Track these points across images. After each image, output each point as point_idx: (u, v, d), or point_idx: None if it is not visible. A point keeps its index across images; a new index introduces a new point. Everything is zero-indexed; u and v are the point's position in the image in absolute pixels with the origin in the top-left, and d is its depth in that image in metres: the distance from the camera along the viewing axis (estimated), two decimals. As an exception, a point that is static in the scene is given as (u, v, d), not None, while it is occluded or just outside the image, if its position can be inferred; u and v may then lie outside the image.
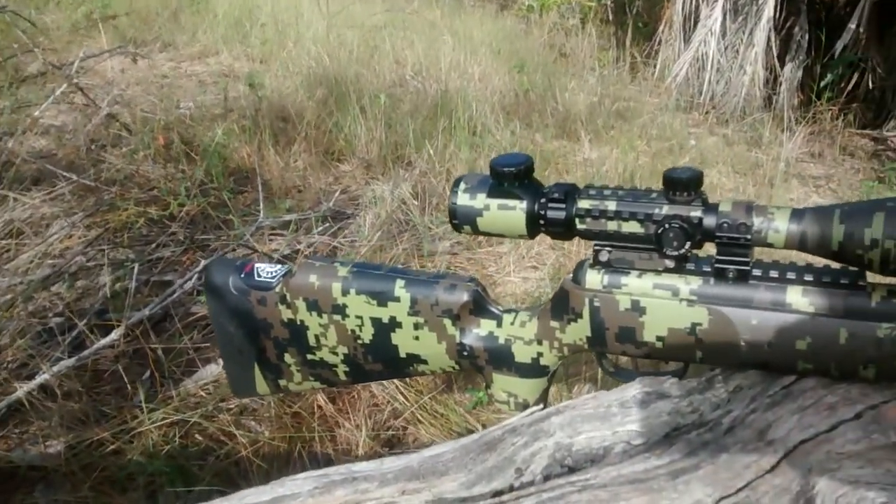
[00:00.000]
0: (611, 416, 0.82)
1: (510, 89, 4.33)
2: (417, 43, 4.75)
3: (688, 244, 0.81)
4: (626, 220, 0.83)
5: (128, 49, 3.37)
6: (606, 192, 0.85)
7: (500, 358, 0.96)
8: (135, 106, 3.04)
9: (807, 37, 5.30)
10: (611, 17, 6.86)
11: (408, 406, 1.87)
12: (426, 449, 0.79)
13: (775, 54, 5.28)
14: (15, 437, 1.61)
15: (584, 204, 0.85)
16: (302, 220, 2.45)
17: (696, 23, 5.57)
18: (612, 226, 0.84)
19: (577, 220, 0.86)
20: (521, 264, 2.57)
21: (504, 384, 0.98)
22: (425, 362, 1.00)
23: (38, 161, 2.44)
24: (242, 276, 1.05)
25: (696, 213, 0.81)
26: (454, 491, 0.73)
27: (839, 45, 5.01)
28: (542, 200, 0.88)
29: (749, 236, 0.79)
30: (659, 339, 0.85)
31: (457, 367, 0.99)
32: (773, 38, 5.27)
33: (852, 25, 4.95)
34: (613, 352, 0.90)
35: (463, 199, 0.91)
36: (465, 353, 0.98)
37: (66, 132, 2.74)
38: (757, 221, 0.78)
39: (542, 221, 0.88)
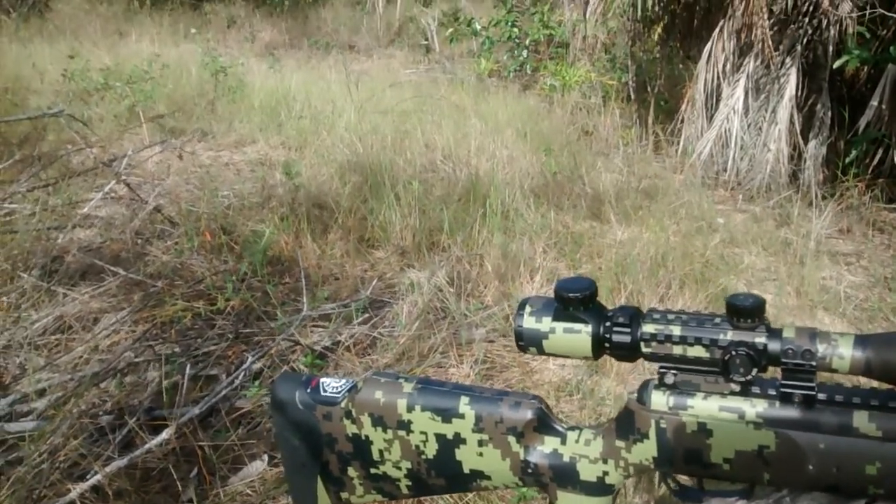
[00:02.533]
0: (682, 540, 0.82)
1: (538, 171, 4.41)
2: (445, 126, 4.87)
3: (754, 371, 0.82)
4: (691, 345, 0.85)
5: (170, 143, 3.49)
6: (670, 317, 0.88)
7: (565, 476, 0.97)
8: (177, 198, 3.13)
9: (829, 113, 5.36)
10: (632, 96, 6.99)
11: (452, 502, 1.86)
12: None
13: (798, 131, 5.33)
14: (67, 538, 1.62)
15: (648, 328, 0.88)
16: (341, 309, 2.48)
17: (718, 101, 5.66)
18: (677, 350, 0.86)
19: (642, 344, 0.88)
20: (556, 359, 2.57)
21: (569, 502, 0.99)
22: (489, 478, 1.01)
23: (86, 255, 2.51)
24: (309, 390, 1.07)
25: (760, 339, 0.82)
26: None
27: (862, 122, 5.06)
28: (608, 324, 0.90)
29: (814, 363, 0.80)
30: (726, 461, 0.86)
31: (520, 483, 1.00)
32: (795, 116, 5.33)
33: (874, 102, 5.01)
34: (679, 472, 0.91)
35: (529, 322, 0.93)
36: (530, 471, 0.99)
37: (114, 226, 2.82)
38: (821, 348, 0.80)
39: (607, 345, 0.90)
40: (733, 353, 0.82)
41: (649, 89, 6.72)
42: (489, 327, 2.65)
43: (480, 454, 1.00)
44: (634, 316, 0.90)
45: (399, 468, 1.05)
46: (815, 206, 4.71)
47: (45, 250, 2.47)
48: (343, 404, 1.05)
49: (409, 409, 1.01)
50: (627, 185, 4.77)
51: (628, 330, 0.89)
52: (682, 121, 5.91)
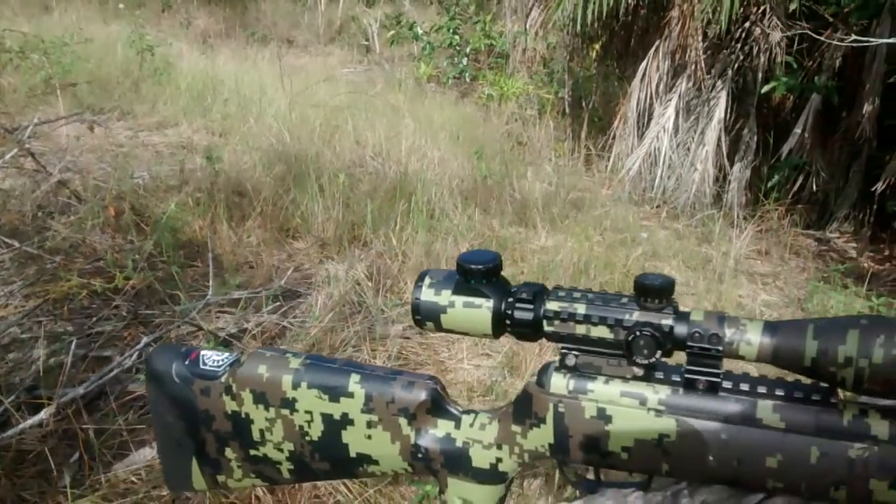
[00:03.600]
0: (573, 531, 0.77)
1: (469, 175, 4.37)
2: (378, 125, 4.80)
3: (658, 353, 0.78)
4: (595, 324, 0.81)
5: (84, 116, 3.31)
6: (576, 295, 0.83)
7: (457, 462, 0.91)
8: (87, 174, 2.97)
9: (755, 138, 5.50)
10: (567, 110, 7.06)
11: (351, 499, 1.78)
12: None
13: (725, 153, 5.46)
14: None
15: (552, 306, 0.83)
16: (251, 297, 2.38)
17: (649, 119, 5.75)
18: (580, 329, 0.81)
19: (544, 322, 0.83)
20: (474, 351, 2.53)
21: (459, 490, 0.92)
22: (376, 463, 0.95)
23: (-21, 226, 2.35)
24: (187, 363, 0.98)
25: (667, 321, 0.78)
26: None
27: (785, 148, 5.20)
28: (510, 300, 0.84)
29: (721, 347, 0.76)
30: (625, 449, 0.82)
31: (410, 469, 0.94)
32: (723, 138, 5.45)
33: (798, 130, 5.16)
34: (576, 461, 0.85)
35: (427, 295, 0.87)
36: (420, 455, 0.92)
37: (13, 197, 2.65)
38: (729, 333, 0.76)
39: (508, 321, 0.85)
40: (637, 333, 0.78)
41: (584, 105, 6.80)
42: (406, 323, 2.59)
43: (369, 437, 0.93)
44: (539, 292, 0.85)
45: (281, 450, 0.98)
46: (737, 226, 4.81)
47: (-67, 216, 2.30)
48: (223, 379, 0.97)
49: (295, 385, 0.94)
50: (556, 195, 4.78)
51: (531, 306, 0.84)
52: (614, 137, 5.98)
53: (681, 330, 0.78)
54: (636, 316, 0.79)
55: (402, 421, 0.91)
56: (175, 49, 5.71)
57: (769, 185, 5.26)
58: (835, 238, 5.32)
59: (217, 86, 4.58)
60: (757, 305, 3.69)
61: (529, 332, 0.84)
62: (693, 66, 5.51)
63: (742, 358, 0.77)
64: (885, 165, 4.64)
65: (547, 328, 0.83)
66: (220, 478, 1.03)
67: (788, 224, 5.20)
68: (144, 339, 1.88)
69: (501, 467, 0.90)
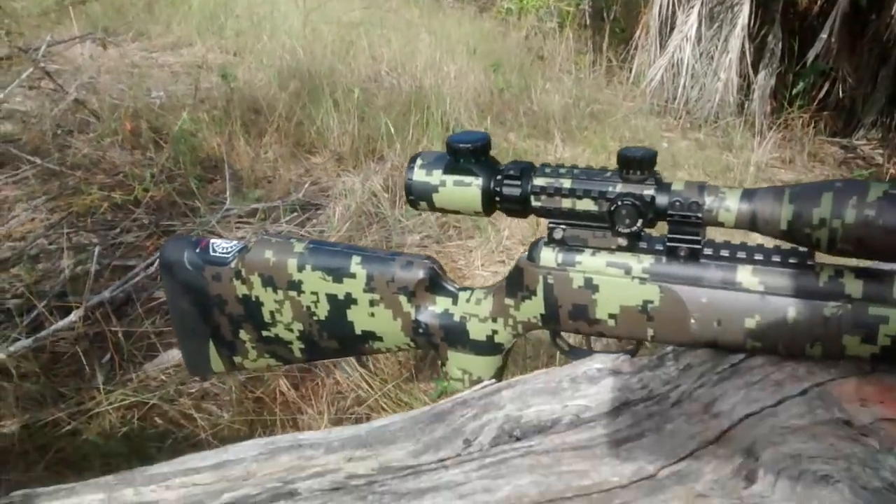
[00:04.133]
0: (561, 390, 0.82)
1: (485, 88, 4.34)
2: (394, 40, 4.75)
3: (640, 222, 0.81)
4: (580, 197, 0.84)
5: (97, 35, 3.33)
6: (562, 171, 0.85)
7: (455, 335, 0.96)
8: (104, 93, 3.01)
9: (780, 45, 5.36)
10: (588, 22, 6.90)
11: (372, 393, 1.86)
12: (375, 420, 0.79)
13: (749, 61, 5.34)
14: (-32, 417, 1.58)
15: (539, 181, 0.85)
16: (270, 209, 2.43)
17: (672, 29, 5.62)
18: (566, 203, 0.84)
19: (532, 198, 0.86)
20: (490, 258, 2.57)
21: (459, 362, 0.98)
22: (381, 339, 1.00)
23: (2, 144, 2.40)
24: (198, 251, 1.03)
25: (648, 191, 0.81)
26: (401, 459, 0.73)
27: (811, 55, 5.07)
28: (498, 177, 0.88)
29: (700, 215, 0.79)
30: (611, 316, 0.86)
31: (412, 344, 0.99)
32: (747, 46, 5.32)
33: (824, 35, 5.02)
34: (567, 329, 0.90)
35: (419, 175, 0.90)
36: (421, 331, 0.97)
37: (32, 117, 2.70)
38: (708, 200, 0.79)
39: (497, 198, 0.88)
40: (619, 203, 0.81)
41: (605, 16, 6.62)
42: (423, 233, 2.63)
43: (372, 314, 0.98)
44: (526, 169, 0.87)
45: (291, 330, 1.03)
46: (759, 134, 4.75)
47: (-43, 136, 2.36)
48: (233, 265, 1.02)
49: (300, 268, 0.98)
50: (575, 108, 4.74)
51: (518, 183, 0.87)
52: (636, 48, 5.86)
53: (662, 199, 0.81)
54: (619, 188, 0.82)
55: (402, 298, 0.96)
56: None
57: (794, 92, 5.16)
58: (861, 145, 5.23)
59: (230, 4, 4.55)
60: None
61: (518, 207, 0.88)
62: (716, -29, 5.36)
63: (721, 224, 0.80)
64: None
65: (535, 203, 0.86)
66: (237, 359, 1.09)
67: (813, 132, 5.12)
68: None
69: (497, 339, 0.95)
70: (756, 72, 5.38)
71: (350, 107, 3.26)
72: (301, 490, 0.67)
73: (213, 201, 2.45)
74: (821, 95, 5.28)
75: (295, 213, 2.43)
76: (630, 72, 5.81)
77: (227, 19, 4.36)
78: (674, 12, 5.62)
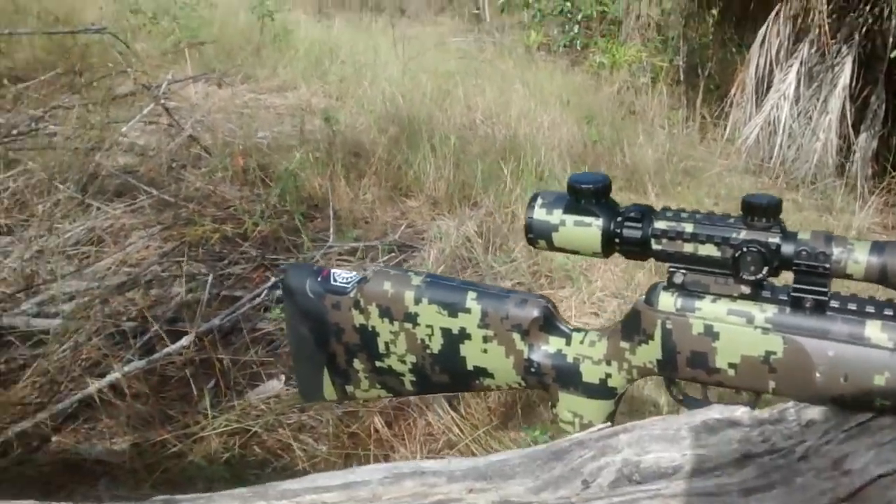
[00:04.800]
0: (680, 438, 0.82)
1: (578, 140, 4.36)
2: (488, 90, 4.84)
3: (765, 270, 0.80)
4: (702, 242, 0.84)
5: (211, 75, 3.52)
6: (683, 215, 0.86)
7: (568, 377, 0.97)
8: (215, 131, 3.16)
9: (884, 106, 5.22)
10: (682, 78, 6.88)
11: (462, 438, 1.87)
12: (492, 454, 0.80)
13: (850, 122, 5.21)
14: (84, 431, 1.66)
15: (660, 225, 0.86)
16: (369, 248, 2.50)
17: (769, 87, 5.54)
18: (688, 248, 0.85)
19: (652, 241, 0.87)
20: (581, 309, 2.56)
21: (570, 404, 0.98)
22: (492, 376, 1.01)
23: (122, 175, 2.55)
24: (319, 279, 1.07)
25: (774, 239, 0.81)
26: (520, 495, 0.74)
27: (917, 117, 4.93)
28: (619, 219, 0.89)
29: (828, 265, 0.78)
30: (731, 365, 0.85)
31: (523, 383, 1.00)
32: (848, 106, 5.20)
33: (931, 97, 4.87)
34: (684, 377, 0.89)
35: (539, 214, 0.92)
36: (533, 370, 0.98)
37: (150, 150, 2.86)
38: (836, 251, 0.78)
39: (617, 240, 0.89)
40: (744, 250, 0.81)
41: (700, 72, 6.58)
42: (515, 280, 2.65)
43: (485, 350, 1.00)
44: (647, 212, 0.88)
45: (404, 362, 1.05)
46: (860, 198, 4.60)
47: (82, 165, 2.52)
48: (352, 294, 1.05)
49: (417, 301, 1.01)
50: (668, 163, 4.71)
51: (639, 225, 0.87)
52: (731, 105, 5.80)
53: (787, 248, 0.80)
54: (743, 234, 0.82)
55: (516, 336, 0.97)
56: (293, 16, 5.92)
57: (898, 155, 4.99)
58: (969, 213, 5.01)
59: (333, 51, 4.73)
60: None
61: (638, 250, 0.88)
62: (816, 31, 5.28)
63: (849, 277, 0.78)
64: None
65: (655, 246, 0.87)
66: (349, 388, 1.12)
67: (918, 198, 4.94)
68: (273, 279, 2.02)
69: (611, 383, 0.95)
70: (857, 133, 5.24)
71: (446, 153, 3.33)
72: (428, 514, 0.69)
73: (315, 238, 2.53)
74: (926, 160, 5.09)
75: (392, 254, 2.49)
76: (724, 129, 5.74)
77: (331, 65, 4.54)
78: (771, 70, 5.56)
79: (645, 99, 6.31)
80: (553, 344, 0.98)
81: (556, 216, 0.91)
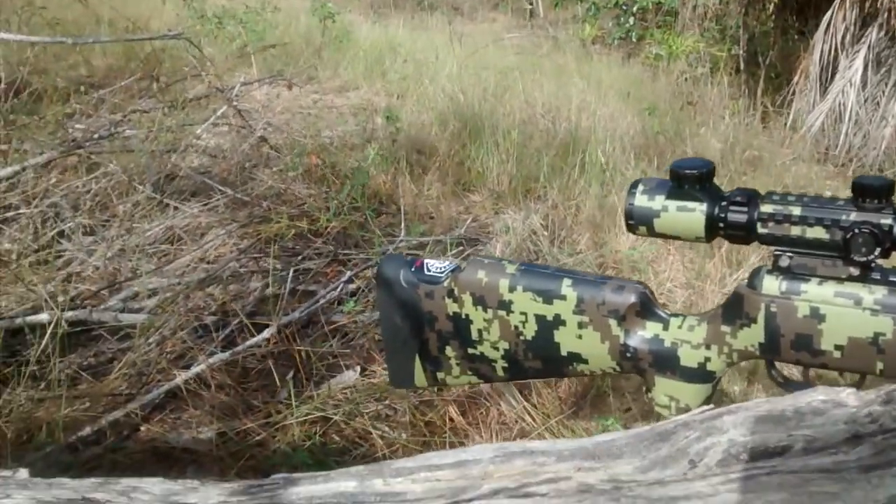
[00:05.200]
0: (785, 419, 0.81)
1: (639, 132, 4.32)
2: (546, 85, 4.83)
3: (877, 251, 0.80)
4: (811, 225, 0.83)
5: (281, 77, 3.59)
6: (790, 198, 0.86)
7: (665, 361, 0.97)
8: (284, 131, 3.23)
9: (956, 91, 5.06)
10: (742, 67, 6.76)
11: (535, 427, 1.87)
12: (598, 436, 0.80)
13: (920, 108, 5.06)
14: (171, 421, 1.72)
15: (767, 208, 0.86)
16: (436, 242, 2.52)
17: (833, 73, 5.42)
18: (795, 231, 0.85)
19: (758, 224, 0.87)
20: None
21: (667, 388, 0.98)
22: (586, 362, 1.02)
23: (197, 176, 2.62)
24: (413, 270, 1.10)
25: (886, 220, 0.80)
26: (629, 474, 0.75)
27: None
28: (724, 203, 0.89)
29: (944, 247, 0.77)
30: (837, 347, 0.84)
31: (618, 368, 1.01)
32: (918, 92, 5.06)
33: None
34: (787, 360, 0.89)
35: (641, 201, 0.93)
36: (629, 355, 0.99)
37: (223, 151, 2.94)
38: (953, 232, 0.77)
39: (721, 224, 0.89)
40: (856, 231, 0.80)
41: (761, 61, 6.45)
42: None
43: (580, 336, 1.01)
44: (752, 196, 0.88)
45: (496, 349, 1.07)
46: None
47: (159, 167, 2.60)
48: (446, 283, 1.07)
49: (511, 289, 1.02)
50: (731, 153, 4.63)
51: (745, 209, 0.88)
52: (794, 93, 5.69)
53: None
54: (854, 216, 0.81)
55: (612, 322, 0.98)
56: (349, 17, 5.99)
57: (972, 140, 4.83)
58: None
59: (393, 51, 4.78)
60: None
61: (743, 234, 0.88)
62: (885, 14, 5.14)
63: (969, 258, 0.78)
64: None
65: (761, 230, 0.87)
66: (440, 375, 1.14)
67: None
68: (348, 274, 2.06)
69: (710, 367, 0.95)
70: (928, 118, 5.09)
71: (508, 147, 3.34)
72: (543, 492, 0.70)
73: (384, 233, 2.57)
74: None
75: (460, 247, 2.50)
76: (787, 118, 5.63)
77: (391, 64, 4.58)
78: (836, 57, 5.43)
79: (704, 89, 6.21)
80: (650, 329, 0.98)
81: (659, 202, 0.92)
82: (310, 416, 1.70)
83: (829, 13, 5.44)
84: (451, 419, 1.82)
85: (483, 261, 1.06)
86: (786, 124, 5.65)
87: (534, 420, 1.91)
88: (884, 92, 5.24)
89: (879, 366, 0.83)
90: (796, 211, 0.84)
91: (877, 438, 0.74)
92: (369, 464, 0.78)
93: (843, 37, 5.43)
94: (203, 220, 2.41)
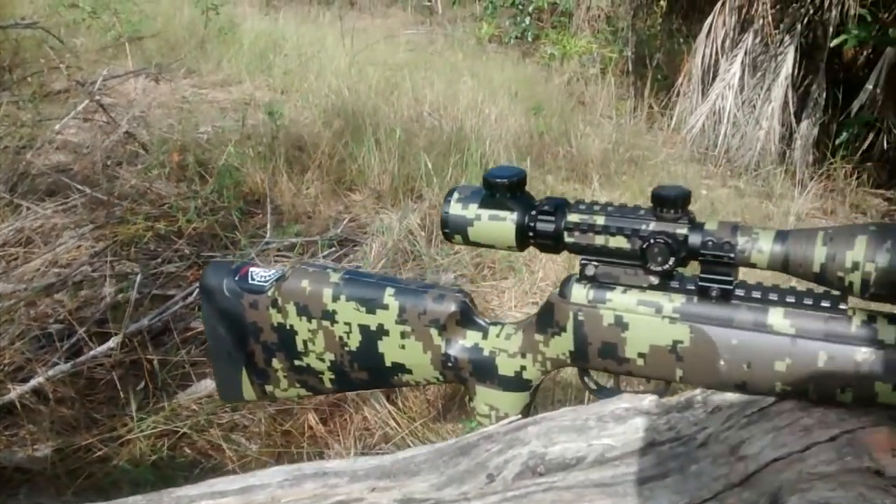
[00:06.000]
0: (587, 428, 0.82)
1: (525, 131, 4.38)
2: (437, 83, 4.83)
3: (672, 260, 0.81)
4: (613, 234, 0.84)
5: (150, 70, 3.44)
6: (595, 208, 0.86)
7: (484, 370, 0.96)
8: (154, 127, 3.10)
9: (824, 95, 5.34)
10: (630, 69, 6.96)
11: (399, 431, 1.86)
12: (400, 452, 0.79)
13: (792, 111, 5.32)
14: (4, 438, 1.61)
15: (573, 218, 0.86)
16: (309, 243, 2.47)
17: (714, 77, 5.63)
18: (599, 240, 0.85)
19: (565, 234, 0.87)
20: (523, 299, 2.57)
21: (486, 397, 0.98)
22: (410, 372, 1.00)
23: (54, 174, 2.49)
24: (237, 278, 1.05)
25: (681, 230, 0.81)
26: (424, 491, 0.73)
27: (856, 105, 5.04)
28: (533, 213, 0.89)
29: (732, 255, 0.79)
30: (640, 355, 0.85)
31: (441, 378, 0.99)
32: (790, 95, 5.31)
33: (869, 86, 4.99)
34: (595, 367, 0.90)
35: (455, 209, 0.92)
36: (450, 364, 0.98)
37: (84, 148, 2.79)
38: (741, 241, 0.79)
39: (531, 233, 0.89)
40: (652, 241, 0.81)
41: (648, 63, 6.66)
42: (457, 272, 2.64)
43: (402, 346, 0.99)
44: (560, 205, 0.88)
45: (323, 360, 1.04)
46: (800, 184, 4.70)
47: (12, 165, 2.45)
48: (270, 293, 1.03)
49: (335, 298, 1.00)
50: (615, 153, 4.75)
51: (552, 219, 0.87)
52: (678, 95, 5.88)
53: (695, 239, 0.81)
54: (652, 226, 0.82)
55: (434, 331, 0.97)
56: (240, 10, 5.83)
57: (837, 142, 5.11)
58: (907, 197, 5.15)
59: (279, 44, 4.68)
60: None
61: (551, 243, 0.88)
62: (760, 21, 5.38)
63: (754, 266, 0.79)
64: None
65: (567, 239, 0.87)
66: (269, 388, 1.10)
67: (856, 183, 5.06)
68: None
69: (525, 375, 0.95)
70: (799, 121, 5.35)
71: (391, 146, 3.31)
72: (324, 516, 0.68)
73: (254, 234, 2.50)
74: (864, 146, 5.23)
75: (333, 249, 2.46)
76: (671, 118, 5.82)
77: (276, 58, 4.48)
78: (717, 60, 5.64)
79: (594, 90, 6.36)
80: (470, 338, 0.97)
81: (472, 211, 0.91)
82: (157, 430, 1.63)
83: (710, 18, 5.65)
84: (311, 427, 1.78)
85: (307, 269, 1.03)
86: (670, 125, 5.85)
87: (398, 424, 1.90)
88: (759, 95, 5.48)
89: (679, 373, 0.84)
90: (600, 220, 0.85)
91: (664, 447, 0.75)
92: (148, 493, 0.74)
93: (723, 41, 5.65)
94: (58, 222, 2.28)
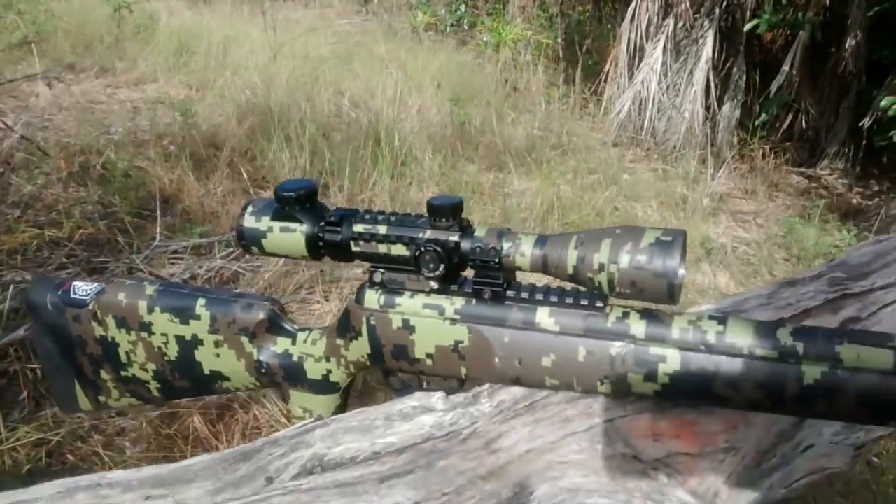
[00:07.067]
0: (374, 428, 0.85)
1: (449, 122, 4.40)
2: (363, 75, 4.82)
3: (442, 267, 0.85)
4: (393, 242, 0.88)
5: (50, 73, 3.38)
6: (380, 217, 0.90)
7: (295, 374, 1.00)
8: (57, 130, 3.06)
9: (744, 77, 5.46)
10: (561, 55, 7.02)
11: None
12: (183, 461, 0.82)
13: (714, 94, 5.43)
14: None
15: (358, 227, 0.90)
16: (209, 245, 2.47)
17: (640, 61, 5.72)
18: (382, 248, 0.89)
19: (352, 243, 0.90)
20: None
21: (300, 400, 1.01)
22: (228, 379, 1.03)
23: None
24: (60, 293, 1.07)
25: (453, 237, 0.85)
26: (198, 498, 0.76)
27: (774, 86, 5.17)
28: (322, 224, 0.92)
29: (498, 259, 0.83)
30: (428, 356, 0.89)
31: (257, 383, 1.02)
32: (712, 78, 5.42)
33: (786, 68, 5.12)
34: (392, 368, 0.93)
35: (249, 222, 0.95)
36: (263, 370, 1.01)
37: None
38: (506, 246, 0.83)
39: (321, 244, 0.92)
40: (423, 249, 0.85)
41: (578, 49, 6.72)
42: (364, 267, 2.66)
43: (217, 355, 1.02)
44: (346, 216, 0.91)
45: (146, 370, 1.06)
46: (724, 166, 4.81)
47: None
48: (91, 306, 1.05)
49: (150, 310, 1.02)
50: (542, 140, 4.80)
51: (339, 229, 0.91)
52: (606, 80, 5.96)
53: (465, 245, 0.85)
54: (427, 234, 0.86)
55: (244, 339, 1.00)
56: (164, 5, 5.74)
57: (757, 123, 5.24)
58: (825, 175, 5.31)
59: (200, 39, 4.62)
60: (729, 241, 3.73)
61: (341, 253, 0.92)
62: (681, 6, 5.47)
63: (519, 268, 0.84)
64: (872, 101, 4.60)
65: (354, 248, 0.90)
66: (101, 398, 1.12)
67: (777, 162, 5.20)
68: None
69: (332, 378, 0.98)
70: (721, 104, 5.47)
71: (303, 142, 3.31)
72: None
73: (154, 237, 2.48)
74: (784, 127, 5.37)
75: (231, 249, 2.47)
76: (601, 104, 5.90)
77: (193, 55, 4.43)
78: (642, 46, 5.72)
79: (527, 76, 6.40)
80: (280, 344, 1.00)
81: (265, 223, 0.94)
82: (31, 439, 1.63)
83: (633, 3, 5.72)
84: (195, 430, 1.79)
85: (124, 282, 1.05)
86: (599, 110, 5.92)
87: (288, 422, 1.91)
88: (682, 79, 5.58)
89: (464, 371, 0.88)
90: (382, 230, 0.88)
91: (427, 444, 0.79)
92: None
93: (647, 27, 5.72)
94: (-55, 232, 2.25)
